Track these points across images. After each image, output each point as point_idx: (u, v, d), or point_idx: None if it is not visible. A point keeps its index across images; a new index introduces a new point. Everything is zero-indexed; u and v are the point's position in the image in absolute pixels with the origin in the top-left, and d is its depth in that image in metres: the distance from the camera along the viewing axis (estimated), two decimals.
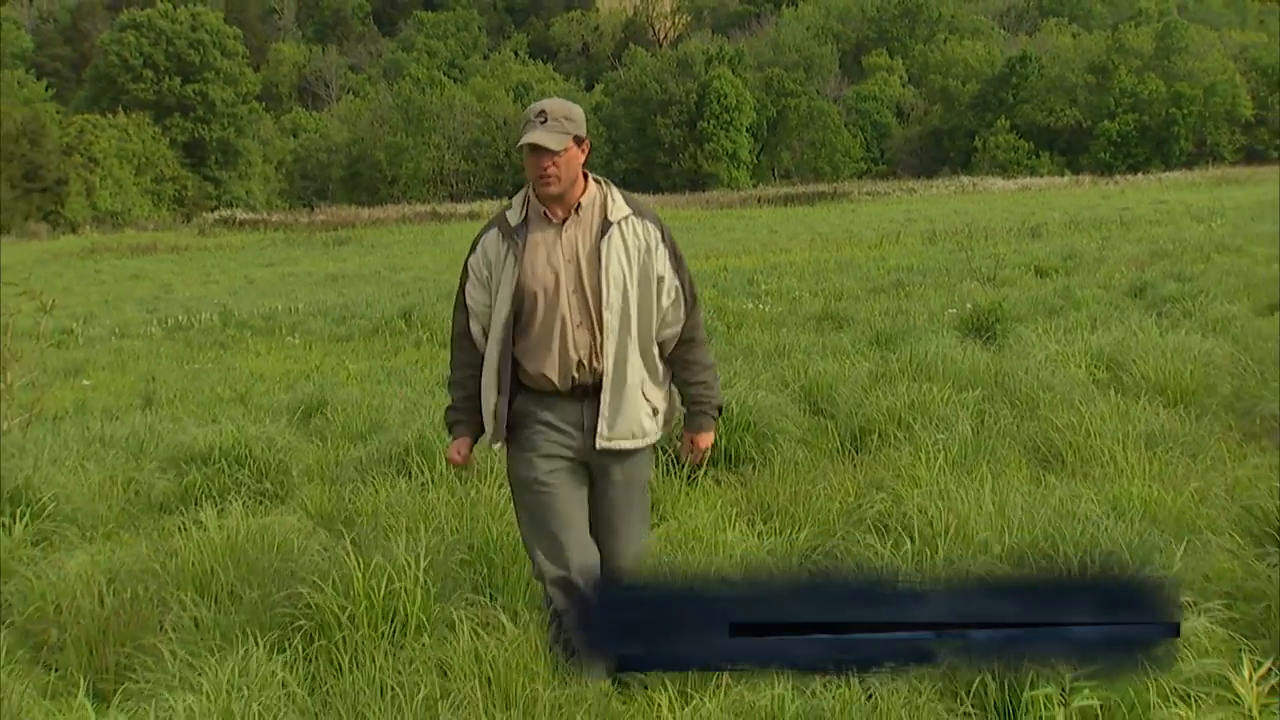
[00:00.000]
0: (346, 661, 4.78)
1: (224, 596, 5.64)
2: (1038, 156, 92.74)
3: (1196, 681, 4.06)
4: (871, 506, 6.22)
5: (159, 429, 10.25)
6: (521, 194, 4.76)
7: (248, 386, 15.15)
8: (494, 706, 4.25)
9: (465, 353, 4.87)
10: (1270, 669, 3.43)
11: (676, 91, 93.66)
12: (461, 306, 4.85)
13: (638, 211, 4.70)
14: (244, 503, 7.36)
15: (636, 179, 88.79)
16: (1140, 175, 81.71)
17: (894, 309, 17.35)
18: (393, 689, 4.37)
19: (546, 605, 4.76)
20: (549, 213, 4.65)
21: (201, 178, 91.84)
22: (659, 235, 4.70)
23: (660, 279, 4.68)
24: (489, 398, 4.74)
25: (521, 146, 4.58)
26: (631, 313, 4.63)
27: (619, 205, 4.68)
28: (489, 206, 78.01)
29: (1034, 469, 7.34)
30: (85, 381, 16.85)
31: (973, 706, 4.14)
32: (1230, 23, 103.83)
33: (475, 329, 4.83)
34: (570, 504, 4.73)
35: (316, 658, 4.94)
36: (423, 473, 7.41)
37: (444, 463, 7.07)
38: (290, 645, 5.04)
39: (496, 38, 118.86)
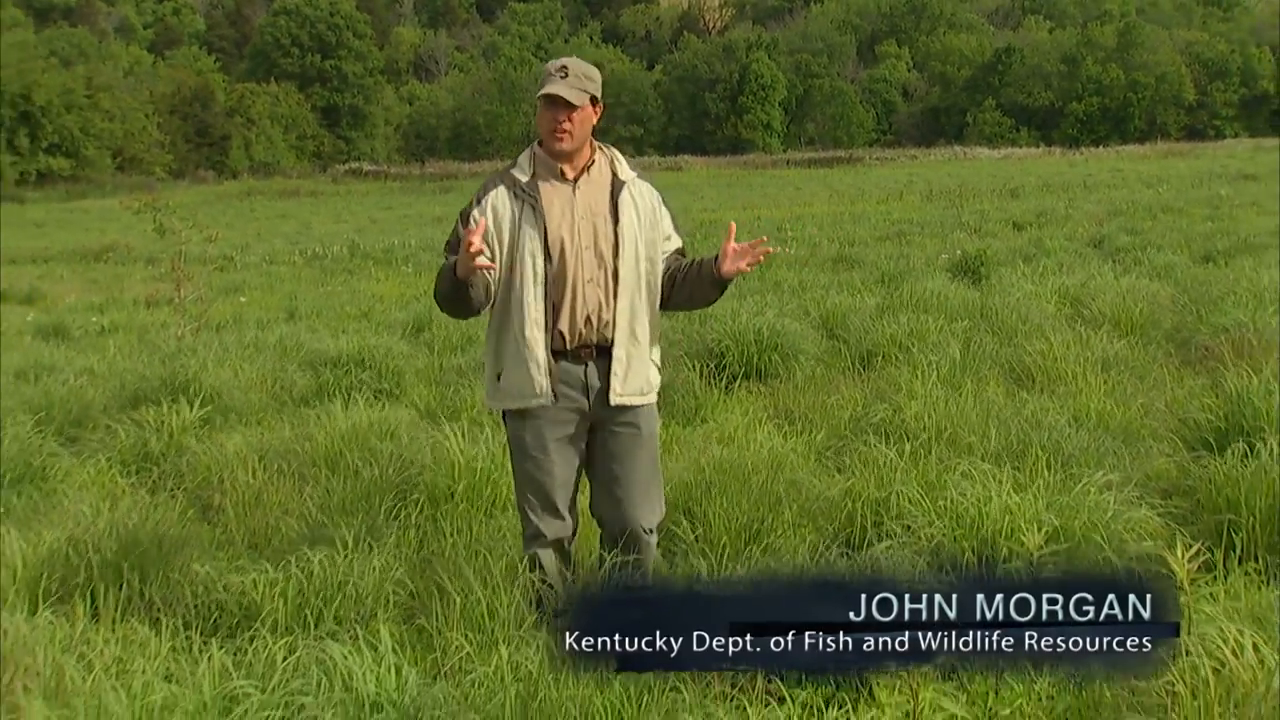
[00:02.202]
0: (449, 529, 4.81)
1: (350, 473, 5.69)
2: (1018, 131, 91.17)
3: (1138, 560, 4.04)
4: (876, 414, 6.21)
5: (300, 337, 10.31)
6: (527, 152, 4.00)
7: (370, 306, 15.23)
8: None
9: None
10: (1199, 550, 3.39)
11: (722, 72, 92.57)
12: (454, 250, 3.83)
13: (639, 175, 4.05)
14: (366, 399, 7.42)
15: (687, 143, 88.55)
16: (1101, 148, 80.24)
17: (897, 254, 17.17)
18: (485, 554, 4.39)
19: (533, 569, 4.05)
20: (564, 170, 3.92)
21: (335, 136, 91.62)
22: (657, 198, 4.03)
23: (668, 238, 4.04)
24: (536, 353, 3.89)
25: (539, 98, 3.85)
26: (642, 268, 3.94)
27: (624, 168, 4.00)
28: None
29: (1010, 386, 7.27)
30: (242, 298, 16.99)
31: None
32: (1179, 23, 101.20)
33: None
34: (568, 475, 4.03)
35: (424, 525, 4.98)
36: None
37: None
38: (403, 514, 5.07)
39: (575, 25, 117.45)
